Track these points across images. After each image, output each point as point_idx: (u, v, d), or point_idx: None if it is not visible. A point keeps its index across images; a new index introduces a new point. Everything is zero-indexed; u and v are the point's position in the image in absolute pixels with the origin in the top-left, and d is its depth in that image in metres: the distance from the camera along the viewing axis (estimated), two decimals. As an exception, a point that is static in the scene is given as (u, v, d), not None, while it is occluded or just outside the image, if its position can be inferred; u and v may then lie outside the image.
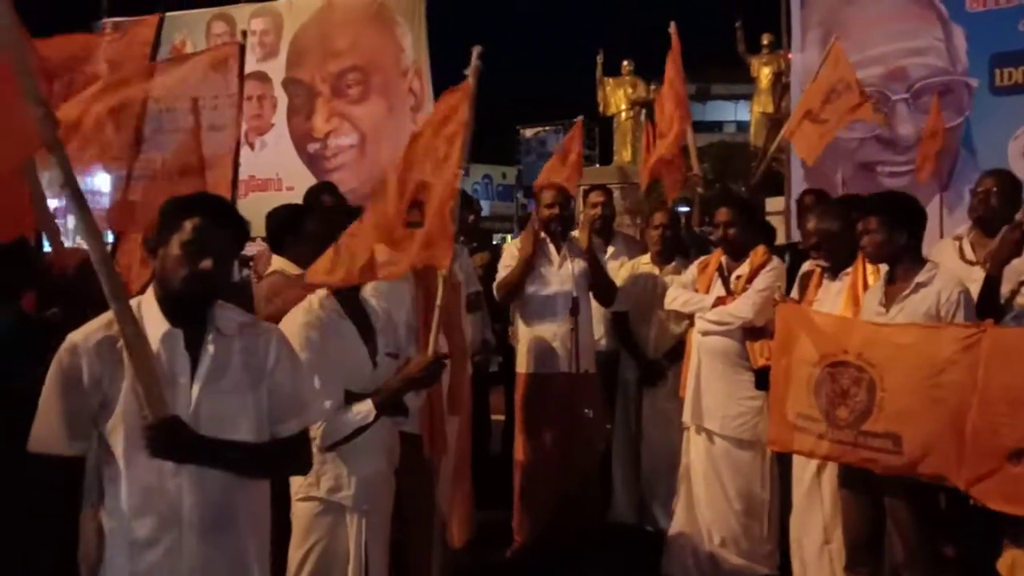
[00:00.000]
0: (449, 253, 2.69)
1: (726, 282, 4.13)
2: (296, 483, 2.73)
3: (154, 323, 2.01)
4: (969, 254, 3.79)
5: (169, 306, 2.04)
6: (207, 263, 2.00)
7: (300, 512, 2.73)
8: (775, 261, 4.10)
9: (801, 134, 5.31)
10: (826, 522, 3.52)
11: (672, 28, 5.63)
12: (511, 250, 4.56)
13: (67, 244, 4.11)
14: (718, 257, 4.23)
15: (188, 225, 2.01)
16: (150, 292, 2.07)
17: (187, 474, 1.98)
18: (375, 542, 2.74)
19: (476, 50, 2.80)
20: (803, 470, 3.60)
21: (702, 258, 4.35)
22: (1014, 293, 3.39)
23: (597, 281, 4.42)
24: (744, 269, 4.10)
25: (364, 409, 2.64)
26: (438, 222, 2.61)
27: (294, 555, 2.72)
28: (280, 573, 2.72)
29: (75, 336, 2.01)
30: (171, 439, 1.94)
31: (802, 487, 3.63)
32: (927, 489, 3.11)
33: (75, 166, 2.38)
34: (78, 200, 1.98)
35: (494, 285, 4.53)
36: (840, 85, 5.16)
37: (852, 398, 3.07)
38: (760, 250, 4.13)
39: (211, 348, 2.05)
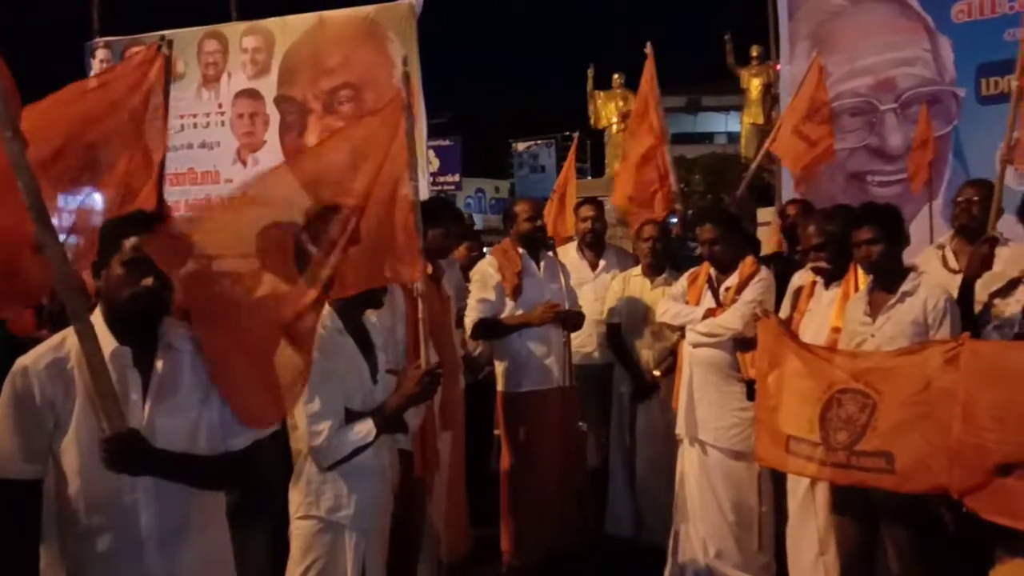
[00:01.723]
0: (418, 267, 2.70)
1: (716, 294, 4.13)
2: (295, 501, 2.74)
3: (102, 342, 2.01)
4: (952, 262, 3.83)
5: (116, 325, 2.07)
6: (148, 281, 2.02)
7: (299, 530, 2.73)
8: (763, 272, 4.11)
9: (791, 149, 5.33)
10: (820, 533, 3.52)
11: (648, 48, 5.64)
12: (484, 276, 4.39)
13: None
14: (707, 269, 4.24)
15: (127, 245, 2.04)
16: (97, 312, 2.09)
17: (144, 488, 2.01)
18: (373, 560, 2.74)
19: (400, 57, 2.86)
20: (797, 482, 3.61)
21: (692, 270, 4.34)
22: (993, 301, 3.41)
23: (575, 322, 4.42)
24: (733, 280, 4.11)
25: (364, 428, 2.65)
26: (403, 238, 2.61)
27: (293, 573, 2.71)
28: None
29: (25, 359, 2.04)
30: (128, 452, 1.96)
31: (796, 499, 3.63)
32: (921, 503, 3.11)
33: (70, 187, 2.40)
34: (43, 220, 2.01)
35: (467, 322, 4.39)
36: (824, 107, 5.22)
37: (855, 423, 3.04)
38: (748, 261, 4.14)
39: (160, 364, 2.08)
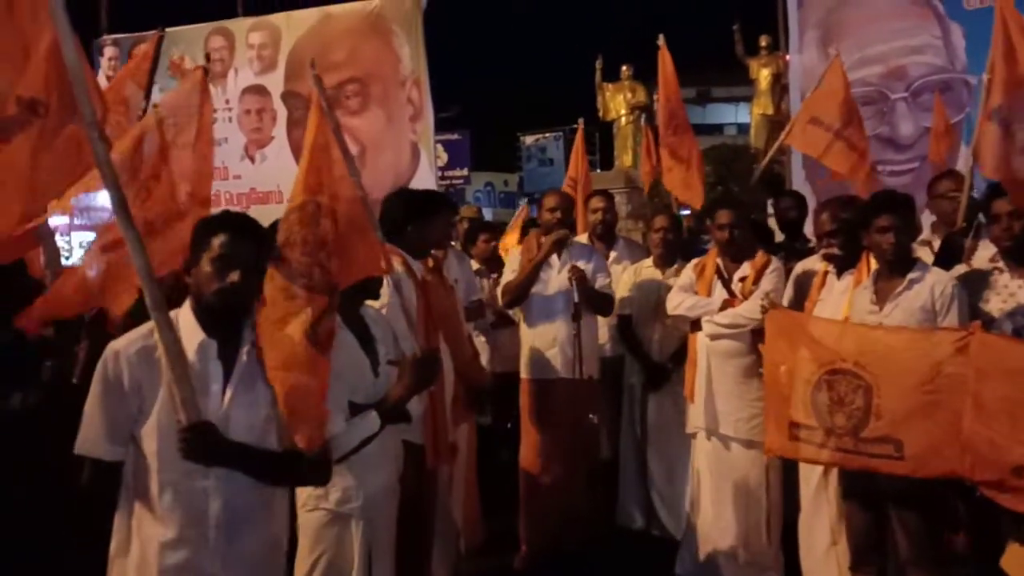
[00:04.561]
0: (379, 258, 2.73)
1: (727, 284, 4.10)
2: (303, 494, 2.75)
3: (190, 333, 2.13)
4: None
5: (204, 318, 2.16)
6: (234, 276, 2.11)
7: (307, 523, 2.74)
8: (776, 263, 4.09)
9: (845, 161, 5.09)
10: (833, 523, 3.51)
11: (661, 41, 5.52)
12: (513, 257, 4.56)
13: (71, 262, 4.10)
14: (714, 260, 4.20)
15: (215, 242, 2.14)
16: (187, 305, 2.19)
17: (215, 477, 2.09)
18: (379, 550, 2.76)
19: (309, 60, 2.94)
20: (810, 471, 3.59)
21: (696, 260, 4.31)
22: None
23: (587, 295, 4.34)
24: (747, 271, 4.08)
25: (370, 420, 2.65)
26: (361, 233, 2.64)
27: (301, 565, 2.73)
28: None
29: (117, 344, 2.13)
30: (203, 443, 2.04)
31: (809, 488, 3.62)
32: (930, 487, 3.10)
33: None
34: (125, 214, 2.11)
35: (499, 290, 4.55)
36: (857, 112, 5.11)
37: (848, 405, 3.05)
38: (760, 252, 4.13)
39: (244, 358, 2.16)
